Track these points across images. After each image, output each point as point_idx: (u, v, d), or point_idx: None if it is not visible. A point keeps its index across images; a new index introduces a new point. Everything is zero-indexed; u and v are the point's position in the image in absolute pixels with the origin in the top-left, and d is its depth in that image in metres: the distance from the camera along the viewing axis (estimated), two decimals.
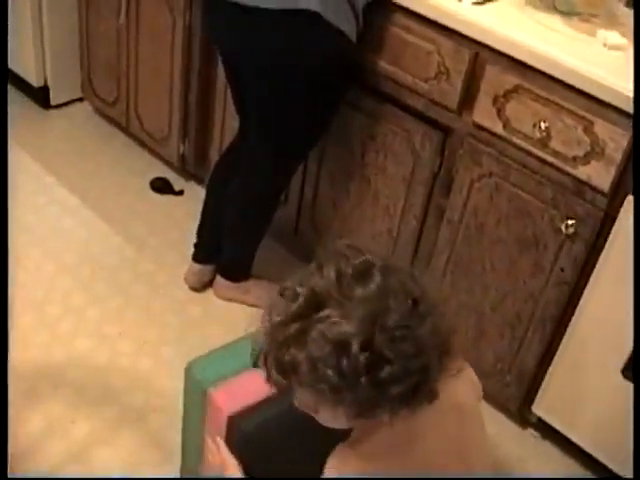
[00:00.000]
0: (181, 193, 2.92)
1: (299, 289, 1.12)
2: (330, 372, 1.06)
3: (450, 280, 2.23)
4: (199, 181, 2.90)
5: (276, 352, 1.12)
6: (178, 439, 1.86)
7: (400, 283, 1.14)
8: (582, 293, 1.97)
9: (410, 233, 2.30)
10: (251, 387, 1.51)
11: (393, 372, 1.07)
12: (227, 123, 2.62)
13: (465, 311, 2.19)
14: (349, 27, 1.97)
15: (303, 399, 1.17)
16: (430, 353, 1.12)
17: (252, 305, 2.48)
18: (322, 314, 1.08)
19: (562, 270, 1.97)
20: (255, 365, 1.18)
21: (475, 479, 1.32)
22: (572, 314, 2.01)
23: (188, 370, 1.70)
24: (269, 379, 1.16)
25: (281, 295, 1.16)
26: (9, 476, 1.39)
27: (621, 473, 2.06)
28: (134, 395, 2.16)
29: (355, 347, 1.05)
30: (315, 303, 1.10)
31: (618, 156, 1.77)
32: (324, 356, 1.06)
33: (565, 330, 2.04)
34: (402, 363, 1.08)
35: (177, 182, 2.96)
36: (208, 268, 2.51)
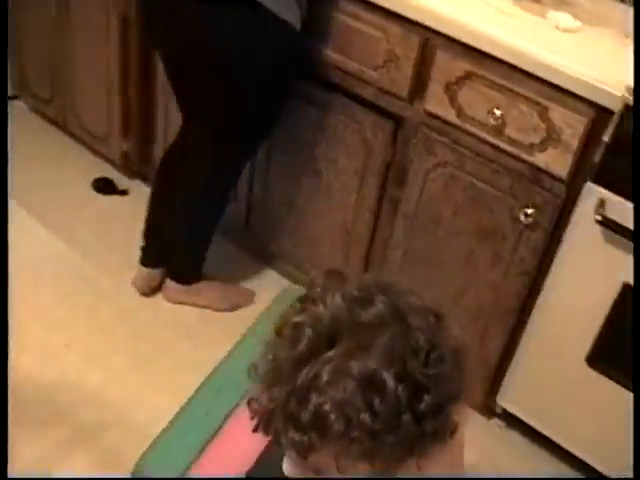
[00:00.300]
0: (125, 193, 2.82)
1: (301, 323, 0.93)
2: (365, 415, 0.88)
3: (407, 273, 2.17)
4: (144, 179, 2.80)
5: (287, 407, 0.92)
6: (135, 454, 1.77)
7: (406, 300, 0.97)
8: (543, 282, 1.93)
9: (365, 226, 2.24)
10: (219, 471, 1.34)
11: (431, 402, 0.91)
12: (171, 118, 2.52)
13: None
14: (293, 16, 1.90)
15: (321, 460, 0.94)
16: (460, 374, 0.96)
17: (204, 307, 2.42)
18: (338, 350, 0.90)
19: (522, 260, 1.93)
20: (256, 430, 0.98)
21: (474, 479, 1.23)
22: (534, 304, 1.97)
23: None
24: (279, 442, 0.95)
25: (277, 335, 0.97)
26: (9, 476, 1.35)
27: (588, 460, 2.04)
28: (85, 411, 2.06)
29: (390, 381, 0.88)
30: (326, 337, 0.92)
31: (575, 142, 1.73)
32: (354, 398, 0.89)
33: (527, 320, 2.00)
34: (438, 389, 0.91)
35: (121, 181, 2.86)
36: (157, 272, 2.42)
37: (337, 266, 2.41)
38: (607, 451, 1.98)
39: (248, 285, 2.54)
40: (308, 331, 0.92)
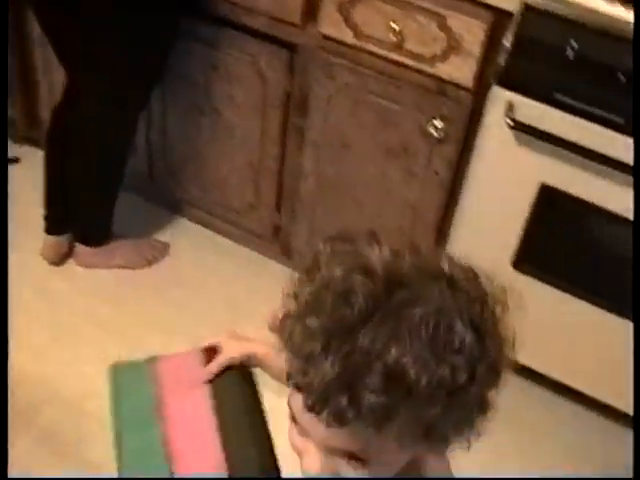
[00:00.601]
0: (17, 160, 2.67)
1: (350, 272, 0.81)
2: (446, 370, 0.78)
3: (322, 203, 2.14)
4: (35, 144, 2.65)
5: (353, 370, 0.78)
6: (73, 429, 1.71)
7: (438, 256, 0.88)
8: (460, 194, 1.92)
9: (272, 160, 2.19)
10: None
11: (493, 360, 0.82)
12: (54, 75, 2.38)
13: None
14: None
15: (378, 443, 0.82)
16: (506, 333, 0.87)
17: (119, 267, 2.34)
18: (398, 299, 0.79)
19: (436, 174, 1.92)
20: (311, 410, 0.82)
21: (475, 479, 1.20)
22: (453, 216, 1.96)
23: None
24: (343, 419, 0.79)
25: (320, 294, 0.82)
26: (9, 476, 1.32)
27: (532, 365, 2.05)
28: (16, 394, 1.97)
29: (466, 331, 0.79)
30: (384, 287, 0.80)
31: (476, 49, 1.71)
32: (431, 350, 0.78)
33: (449, 234, 1.99)
34: (496, 347, 0.83)
35: (10, 149, 2.69)
36: (64, 238, 2.32)
37: (248, 203, 2.36)
38: (544, 351, 2.02)
39: (161, 237, 2.46)
40: (363, 280, 0.79)
